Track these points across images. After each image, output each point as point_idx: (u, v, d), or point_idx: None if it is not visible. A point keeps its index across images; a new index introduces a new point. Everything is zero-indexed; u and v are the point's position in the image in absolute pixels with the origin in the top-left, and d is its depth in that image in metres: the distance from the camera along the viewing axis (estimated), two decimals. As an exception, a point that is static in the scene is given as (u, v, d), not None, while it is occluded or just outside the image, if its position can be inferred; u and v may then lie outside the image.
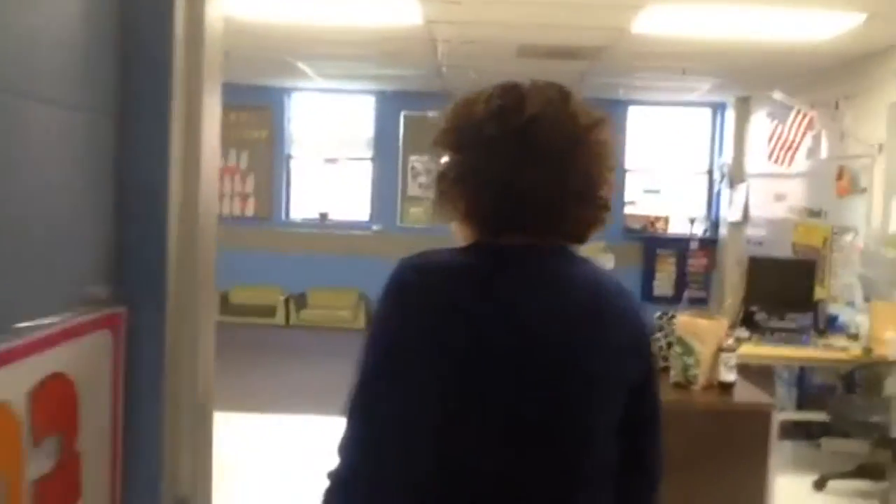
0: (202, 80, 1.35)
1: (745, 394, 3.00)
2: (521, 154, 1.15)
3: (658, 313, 3.33)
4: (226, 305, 9.02)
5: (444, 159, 1.25)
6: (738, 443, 2.88)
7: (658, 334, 3.27)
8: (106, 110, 1.21)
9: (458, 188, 1.20)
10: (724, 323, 3.16)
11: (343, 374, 5.42)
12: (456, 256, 1.20)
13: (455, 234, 1.27)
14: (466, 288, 1.16)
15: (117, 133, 1.24)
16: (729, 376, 2.93)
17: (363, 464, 1.18)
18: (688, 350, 2.93)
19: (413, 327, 1.15)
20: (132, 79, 1.25)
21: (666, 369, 3.08)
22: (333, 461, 1.21)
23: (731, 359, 2.92)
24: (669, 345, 3.19)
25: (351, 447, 1.20)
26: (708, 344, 2.93)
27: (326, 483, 1.22)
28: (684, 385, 2.95)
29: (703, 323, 2.97)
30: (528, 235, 1.19)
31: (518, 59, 6.40)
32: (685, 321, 3.01)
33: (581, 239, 1.23)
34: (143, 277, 1.26)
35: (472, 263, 1.19)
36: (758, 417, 2.87)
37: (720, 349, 2.94)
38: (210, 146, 1.42)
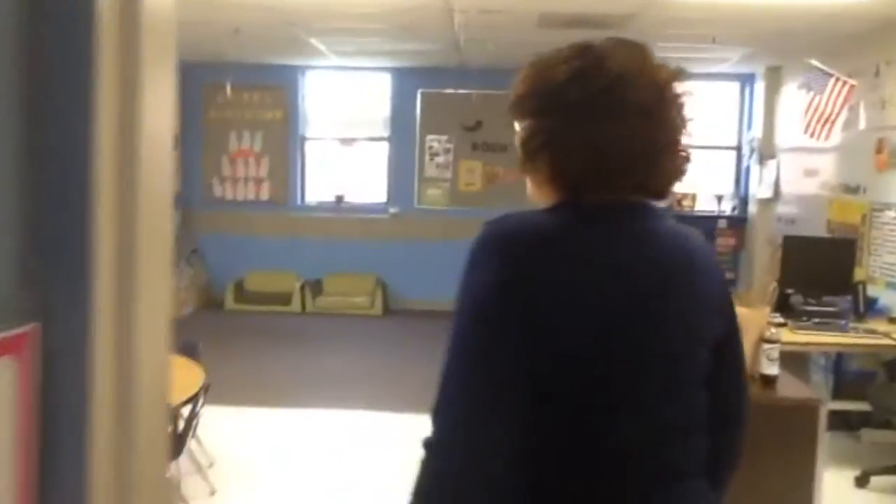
0: (140, 55, 1.08)
1: (790, 388, 2.75)
2: (609, 113, 1.16)
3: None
4: (240, 293, 8.86)
5: (525, 125, 1.25)
6: (783, 440, 2.63)
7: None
8: (10, 92, 0.95)
9: (546, 152, 1.21)
10: (766, 312, 2.89)
11: (361, 364, 5.25)
12: (551, 217, 1.20)
13: (534, 196, 1.28)
14: (567, 245, 1.17)
15: (26, 119, 0.97)
16: (772, 369, 2.68)
17: (470, 427, 1.13)
18: (724, 340, 2.67)
19: (517, 286, 1.13)
20: (45, 57, 0.98)
21: (701, 361, 2.83)
22: (427, 429, 1.16)
23: (774, 351, 2.67)
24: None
25: (453, 409, 1.15)
26: (749, 334, 2.66)
27: (422, 453, 1.16)
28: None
29: (743, 312, 2.68)
30: (613, 193, 1.20)
31: (539, 30, 6.11)
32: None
33: (663, 194, 1.26)
34: (61, 284, 0.97)
35: (570, 222, 1.19)
36: (804, 413, 2.62)
37: (762, 340, 2.68)
38: (156, 131, 1.14)
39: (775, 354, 2.69)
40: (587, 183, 1.19)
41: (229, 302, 8.79)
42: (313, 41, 7.14)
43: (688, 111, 1.23)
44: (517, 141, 1.27)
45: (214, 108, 8.97)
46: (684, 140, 1.23)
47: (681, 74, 1.24)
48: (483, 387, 1.13)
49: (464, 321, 1.17)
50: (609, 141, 1.16)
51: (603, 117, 1.16)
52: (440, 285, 9.13)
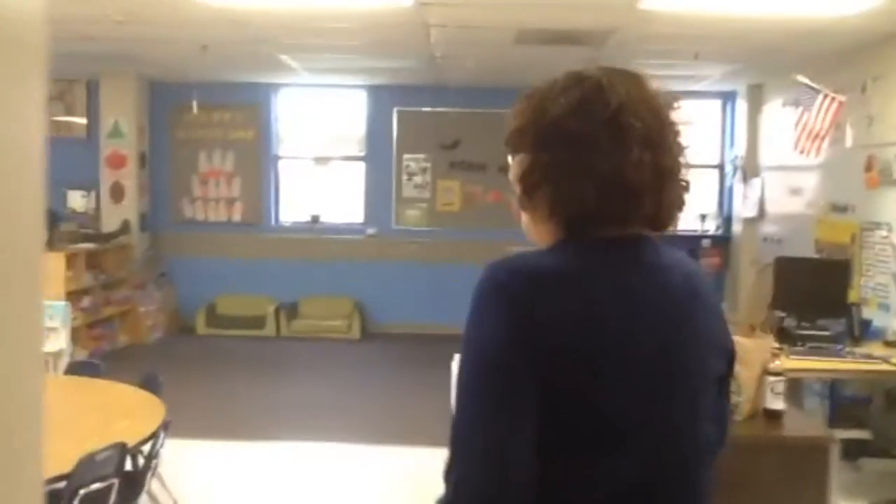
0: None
1: (797, 424, 2.54)
2: (612, 145, 1.14)
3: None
4: (213, 316, 8.56)
5: (521, 159, 1.21)
6: (791, 482, 2.41)
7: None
8: None
9: (546, 188, 1.18)
10: (769, 342, 2.69)
11: (337, 392, 4.90)
12: (555, 257, 1.18)
13: (531, 233, 1.25)
14: (574, 287, 1.14)
15: None
16: (777, 404, 2.47)
17: (488, 484, 1.09)
18: (728, 373, 2.47)
19: (522, 335, 1.10)
20: None
21: (700, 395, 2.61)
22: (439, 489, 1.12)
23: (780, 384, 2.46)
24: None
25: (467, 471, 1.10)
26: (752, 366, 2.46)
27: None
28: (725, 415, 2.47)
29: (745, 342, 2.50)
30: (617, 228, 1.17)
31: (517, 47, 5.93)
32: (723, 338, 2.54)
33: (667, 226, 1.22)
34: None
35: (575, 262, 1.16)
36: (814, 453, 2.40)
37: (766, 372, 2.48)
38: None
39: (781, 388, 2.48)
40: (590, 218, 1.16)
41: (200, 326, 8.49)
42: (284, 58, 6.92)
43: (684, 138, 1.22)
44: (512, 176, 1.23)
45: (183, 127, 8.70)
46: (684, 168, 1.21)
47: (675, 100, 1.22)
48: (494, 443, 1.10)
49: (471, 373, 1.13)
50: (612, 173, 1.14)
51: (605, 149, 1.13)
52: (419, 308, 8.96)
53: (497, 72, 7.15)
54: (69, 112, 8.69)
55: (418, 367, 7.21)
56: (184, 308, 8.76)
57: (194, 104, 7.79)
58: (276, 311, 8.50)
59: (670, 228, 1.23)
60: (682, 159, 1.21)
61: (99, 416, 3.31)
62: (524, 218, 1.25)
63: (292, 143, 8.98)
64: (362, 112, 8.81)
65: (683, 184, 1.22)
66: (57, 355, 6.40)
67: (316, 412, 5.86)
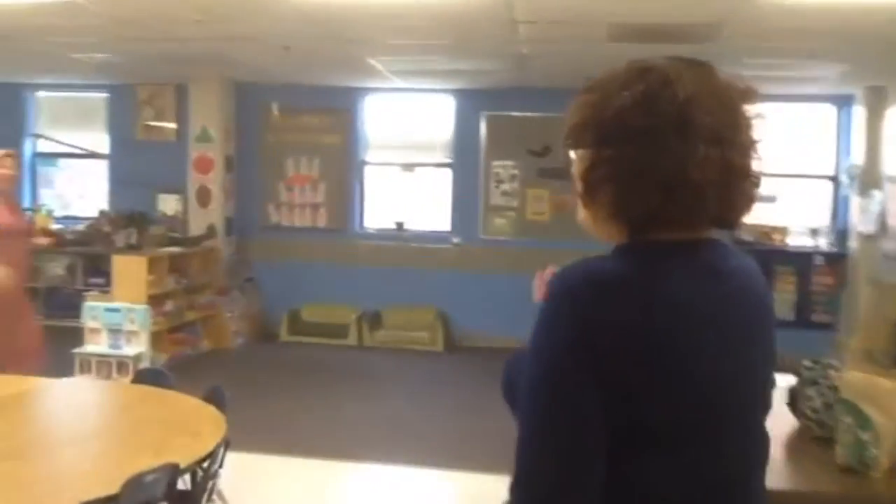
0: None
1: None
2: (679, 140, 1.08)
3: (807, 361, 2.45)
4: (296, 323, 8.46)
5: (582, 155, 1.17)
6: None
7: (810, 390, 2.39)
8: None
9: (609, 185, 1.13)
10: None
11: (416, 409, 4.52)
12: (619, 262, 1.13)
13: (594, 231, 1.21)
14: (640, 293, 1.09)
15: None
16: (925, 458, 2.03)
17: (558, 486, 1.08)
18: (862, 421, 2.05)
19: (587, 346, 1.07)
20: None
21: (825, 443, 2.21)
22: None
23: (930, 434, 2.02)
24: (827, 406, 2.31)
25: (532, 484, 1.08)
26: (892, 414, 2.04)
27: None
28: (858, 470, 2.06)
29: (884, 385, 2.07)
30: (684, 228, 1.14)
31: (609, 45, 5.55)
32: (856, 380, 2.12)
33: (734, 226, 1.18)
34: None
35: (640, 266, 1.12)
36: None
37: (912, 419, 2.04)
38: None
39: (929, 439, 2.05)
40: (654, 219, 1.12)
41: (284, 333, 8.39)
42: (370, 60, 6.73)
43: (757, 133, 1.15)
44: (575, 173, 1.19)
45: (271, 131, 8.66)
46: (755, 165, 1.15)
47: (751, 94, 1.16)
48: (561, 456, 1.08)
49: (535, 387, 1.11)
50: (679, 170, 1.08)
51: (672, 145, 1.08)
52: (506, 321, 8.60)
53: (591, 71, 6.76)
54: (159, 116, 8.78)
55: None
56: (268, 314, 8.70)
57: (274, 107, 7.71)
58: (359, 320, 8.32)
59: (737, 228, 1.19)
60: (753, 155, 1.15)
61: (157, 430, 3.13)
62: (584, 214, 1.21)
63: (379, 149, 8.81)
64: (450, 117, 8.56)
65: (754, 181, 1.16)
66: (136, 359, 6.38)
67: (392, 430, 5.60)
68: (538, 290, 1.55)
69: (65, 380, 3.80)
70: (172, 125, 8.74)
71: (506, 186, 8.47)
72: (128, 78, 8.35)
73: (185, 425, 3.23)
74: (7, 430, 2.96)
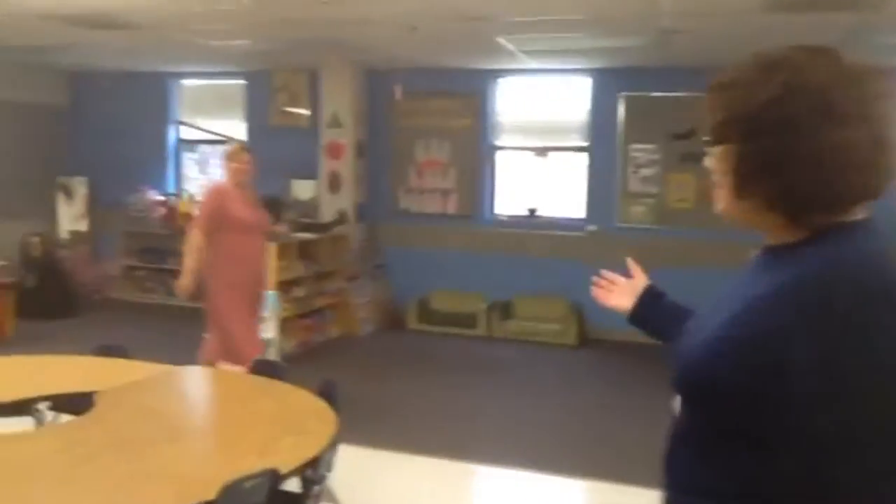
0: None
1: None
2: (830, 123, 1.11)
3: None
4: (425, 311, 8.32)
5: (728, 150, 1.20)
6: None
7: None
8: None
9: (762, 178, 1.16)
10: None
11: (543, 407, 4.04)
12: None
13: (743, 221, 1.23)
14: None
15: None
16: None
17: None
18: None
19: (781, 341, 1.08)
20: None
21: None
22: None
23: None
24: None
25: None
26: None
27: None
28: None
29: None
30: (840, 210, 1.15)
31: (763, 15, 4.97)
32: None
33: (879, 197, 1.17)
34: None
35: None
36: None
37: None
38: None
39: None
40: (813, 203, 1.14)
41: (412, 321, 8.27)
42: (500, 40, 6.42)
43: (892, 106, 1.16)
44: (720, 167, 1.22)
45: (401, 116, 8.53)
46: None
47: (879, 72, 1.16)
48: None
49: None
50: (833, 152, 1.11)
51: (822, 129, 1.11)
52: (642, 314, 8.08)
53: (739, 48, 6.15)
54: (293, 102, 8.84)
55: (639, 384, 6.45)
56: (397, 301, 8.61)
57: (397, 90, 7.53)
58: (489, 310, 8.07)
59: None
60: (892, 129, 1.16)
61: (265, 427, 2.98)
62: (731, 206, 1.22)
63: (511, 133, 8.50)
64: (585, 99, 8.13)
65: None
66: (267, 344, 6.40)
67: (517, 429, 5.31)
68: None
69: (182, 368, 3.74)
70: (306, 111, 8.78)
71: (645, 172, 7.96)
72: (264, 65, 8.43)
73: (295, 423, 3.08)
74: (113, 422, 2.89)
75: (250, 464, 2.55)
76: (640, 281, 1.94)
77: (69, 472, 2.42)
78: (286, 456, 2.67)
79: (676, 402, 1.29)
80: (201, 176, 9.78)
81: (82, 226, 9.76)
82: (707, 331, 1.20)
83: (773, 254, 1.21)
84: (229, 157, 5.01)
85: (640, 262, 1.98)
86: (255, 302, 5.14)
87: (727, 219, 1.26)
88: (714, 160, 1.23)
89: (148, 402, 3.17)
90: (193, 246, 4.85)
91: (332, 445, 2.96)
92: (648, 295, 1.90)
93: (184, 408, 3.13)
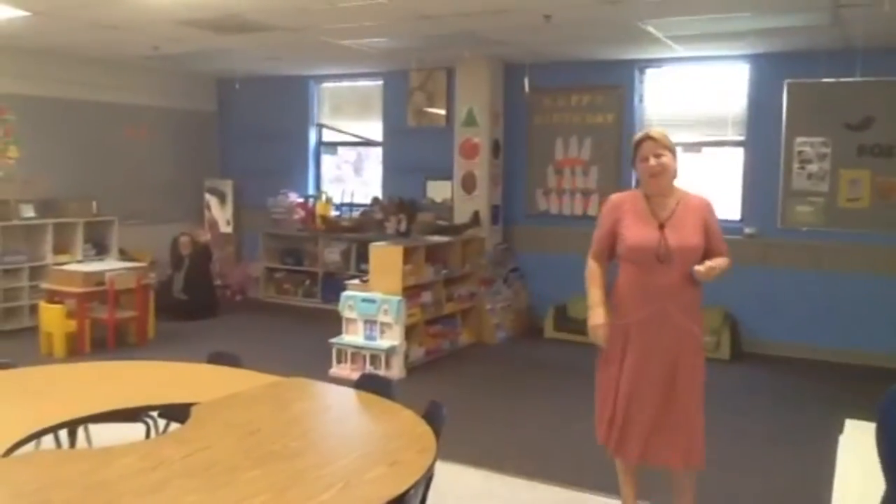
0: None
1: None
2: None
3: None
4: (562, 319, 7.85)
5: None
6: None
7: None
8: None
9: None
10: None
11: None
12: None
13: None
14: None
15: None
16: None
17: None
18: None
19: None
20: None
21: None
22: None
23: None
24: None
25: None
26: None
27: None
28: None
29: None
30: None
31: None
32: None
33: None
34: None
35: None
36: None
37: None
38: None
39: None
40: None
41: (548, 329, 7.82)
42: (644, 25, 5.85)
43: None
44: None
45: (540, 112, 8.09)
46: None
47: None
48: None
49: None
50: None
51: None
52: (807, 326, 7.25)
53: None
54: (430, 101, 8.62)
55: (805, 403, 5.71)
56: (533, 308, 8.19)
57: (526, 84, 7.09)
58: (631, 319, 7.47)
59: None
60: None
61: (354, 456, 2.68)
62: None
63: (658, 127, 7.83)
64: (743, 88, 7.37)
65: None
66: (390, 351, 6.17)
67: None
68: None
69: (287, 380, 3.53)
70: (442, 111, 8.53)
71: (813, 167, 7.10)
72: (401, 64, 8.26)
73: (389, 451, 2.75)
74: (200, 442, 2.68)
75: (328, 499, 2.26)
76: None
77: (134, 500, 2.22)
78: (369, 490, 2.35)
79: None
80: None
81: (228, 228, 9.99)
82: None
83: None
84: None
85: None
86: None
87: None
88: None
89: (240, 419, 2.95)
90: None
91: (424, 480, 2.61)
92: None
93: (276, 427, 2.88)
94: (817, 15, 5.42)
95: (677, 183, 3.45)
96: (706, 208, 3.43)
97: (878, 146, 6.79)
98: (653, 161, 3.33)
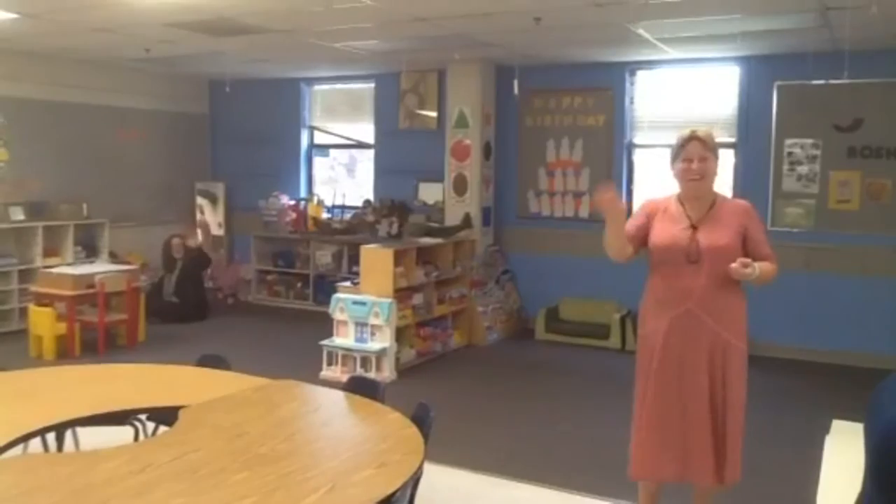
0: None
1: None
2: None
3: None
4: (553, 321, 7.86)
5: None
6: None
7: None
8: None
9: None
10: None
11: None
12: None
13: None
14: None
15: None
16: None
17: None
18: None
19: None
20: None
21: None
22: None
23: None
24: None
25: None
26: None
27: None
28: None
29: None
30: None
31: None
32: None
33: None
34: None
35: None
36: None
37: None
38: None
39: None
40: None
41: (540, 331, 7.82)
42: (633, 27, 5.87)
43: None
44: None
45: (531, 114, 8.10)
46: None
47: None
48: None
49: None
50: None
51: None
52: (796, 327, 7.26)
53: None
54: (422, 104, 8.62)
55: (793, 403, 5.73)
56: (525, 310, 8.19)
57: (515, 86, 7.09)
58: (622, 320, 7.50)
59: None
60: None
61: (344, 457, 2.67)
62: None
63: (649, 129, 7.87)
64: (733, 90, 7.40)
65: None
66: (381, 353, 6.16)
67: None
68: None
69: (275, 382, 3.52)
70: (433, 113, 8.54)
71: (803, 169, 7.13)
72: (392, 66, 8.26)
73: (377, 453, 2.75)
74: (187, 444, 2.68)
75: (315, 501, 2.25)
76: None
77: (121, 503, 2.21)
78: (356, 492, 2.35)
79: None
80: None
81: (219, 230, 9.97)
82: None
83: None
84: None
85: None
86: None
87: None
88: None
89: (228, 422, 2.95)
90: None
91: (412, 480, 2.61)
92: None
93: (263, 430, 2.88)
94: (806, 17, 5.44)
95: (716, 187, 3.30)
96: (746, 213, 3.25)
97: (868, 148, 6.82)
98: (696, 165, 3.13)
